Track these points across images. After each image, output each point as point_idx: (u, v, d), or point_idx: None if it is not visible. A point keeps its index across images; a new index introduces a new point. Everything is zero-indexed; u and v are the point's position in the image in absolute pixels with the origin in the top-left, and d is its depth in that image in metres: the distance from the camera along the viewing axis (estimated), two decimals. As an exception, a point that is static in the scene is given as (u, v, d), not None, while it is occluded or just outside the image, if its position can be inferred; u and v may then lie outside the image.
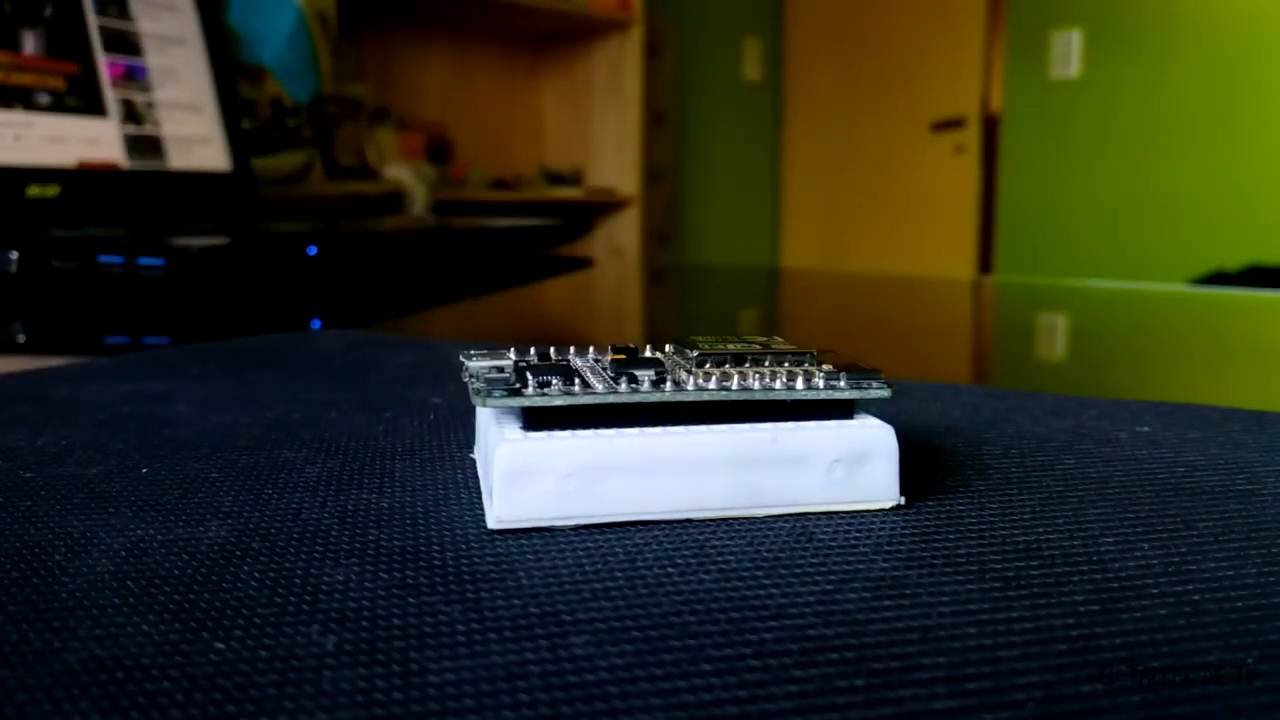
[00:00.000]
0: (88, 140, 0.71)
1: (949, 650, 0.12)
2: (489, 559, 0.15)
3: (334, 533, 0.16)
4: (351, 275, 0.60)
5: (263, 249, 0.56)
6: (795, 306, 0.77)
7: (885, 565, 0.15)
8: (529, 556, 0.15)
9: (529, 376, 0.17)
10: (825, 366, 0.18)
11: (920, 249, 2.58)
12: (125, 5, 0.77)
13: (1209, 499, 0.19)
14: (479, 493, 0.18)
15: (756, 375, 0.18)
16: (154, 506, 0.18)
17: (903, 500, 0.18)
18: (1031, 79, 2.37)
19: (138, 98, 0.75)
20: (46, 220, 0.67)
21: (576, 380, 0.17)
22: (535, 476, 0.16)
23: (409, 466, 0.20)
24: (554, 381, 0.17)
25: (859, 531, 0.17)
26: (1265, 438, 0.23)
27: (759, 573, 0.15)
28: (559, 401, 0.17)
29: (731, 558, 0.15)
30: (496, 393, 0.17)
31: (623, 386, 0.17)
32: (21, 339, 0.44)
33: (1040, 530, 0.17)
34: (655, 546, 0.16)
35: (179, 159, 0.77)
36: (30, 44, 0.69)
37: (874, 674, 0.12)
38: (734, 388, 0.17)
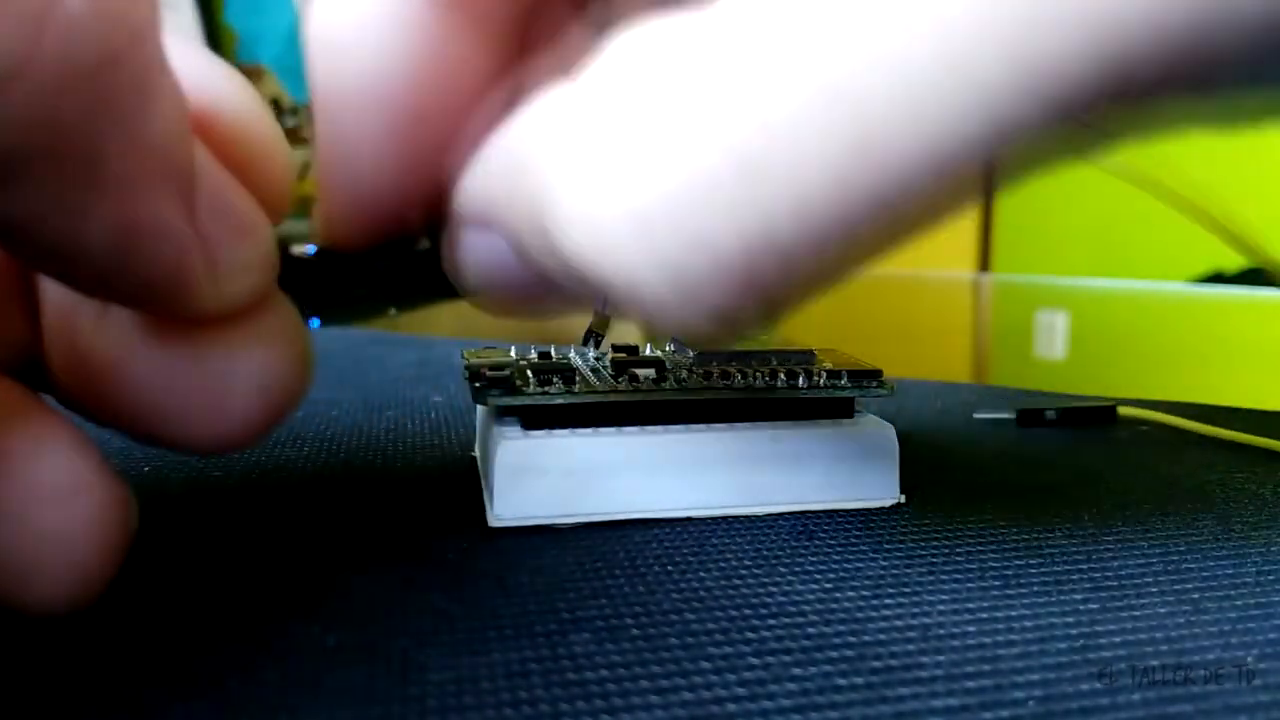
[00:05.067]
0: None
1: (949, 648, 0.12)
2: (489, 557, 0.15)
3: (335, 531, 0.16)
4: (351, 274, 0.60)
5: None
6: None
7: (885, 564, 0.15)
8: (529, 555, 0.15)
9: (529, 375, 0.17)
10: (826, 365, 0.18)
11: (920, 246, 2.57)
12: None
13: (1208, 497, 0.19)
14: (480, 491, 0.18)
15: (757, 374, 0.18)
16: (154, 507, 0.18)
17: (903, 499, 0.18)
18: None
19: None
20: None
21: (577, 379, 0.17)
22: (535, 475, 0.16)
23: (410, 465, 0.20)
24: (554, 380, 0.17)
25: (859, 530, 0.17)
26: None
27: (759, 571, 0.15)
28: (559, 400, 0.17)
29: (732, 556, 0.15)
30: (496, 392, 0.17)
31: (623, 385, 0.17)
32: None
33: (1039, 529, 0.17)
34: (655, 545, 0.16)
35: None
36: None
37: (874, 672, 0.12)
38: (735, 386, 0.17)
